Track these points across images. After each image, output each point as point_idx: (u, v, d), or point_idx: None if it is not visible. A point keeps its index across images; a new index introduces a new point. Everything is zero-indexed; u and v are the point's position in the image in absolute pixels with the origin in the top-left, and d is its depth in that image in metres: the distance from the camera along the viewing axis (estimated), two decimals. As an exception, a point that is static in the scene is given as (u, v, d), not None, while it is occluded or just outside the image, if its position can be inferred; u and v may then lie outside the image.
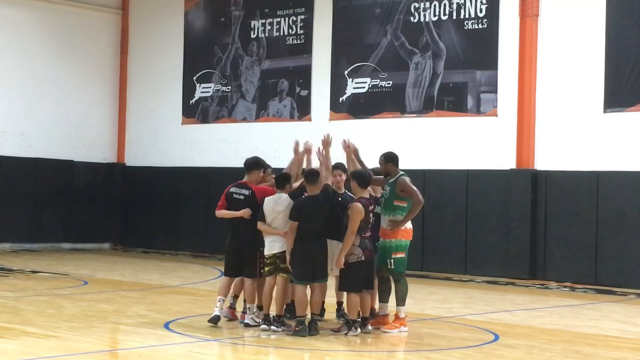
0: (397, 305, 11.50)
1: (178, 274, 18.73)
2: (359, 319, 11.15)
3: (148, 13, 26.57)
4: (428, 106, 21.11)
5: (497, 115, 20.13)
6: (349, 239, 10.88)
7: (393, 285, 11.57)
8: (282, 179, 11.43)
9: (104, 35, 26.70)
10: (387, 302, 11.64)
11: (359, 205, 10.92)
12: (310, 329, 10.84)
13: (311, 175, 11.14)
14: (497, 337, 11.38)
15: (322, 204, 11.10)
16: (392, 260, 11.39)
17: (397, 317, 11.51)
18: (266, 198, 11.31)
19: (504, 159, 19.82)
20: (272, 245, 11.16)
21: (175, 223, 24.63)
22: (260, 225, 11.19)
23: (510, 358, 10.08)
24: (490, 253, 19.79)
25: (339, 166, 12.20)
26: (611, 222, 18.51)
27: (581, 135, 19.09)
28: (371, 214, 11.09)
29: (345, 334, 10.99)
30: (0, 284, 16.29)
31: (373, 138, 21.69)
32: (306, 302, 10.89)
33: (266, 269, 11.22)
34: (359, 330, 11.12)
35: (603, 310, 14.93)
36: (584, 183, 18.83)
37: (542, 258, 19.28)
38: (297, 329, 10.78)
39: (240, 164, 25.77)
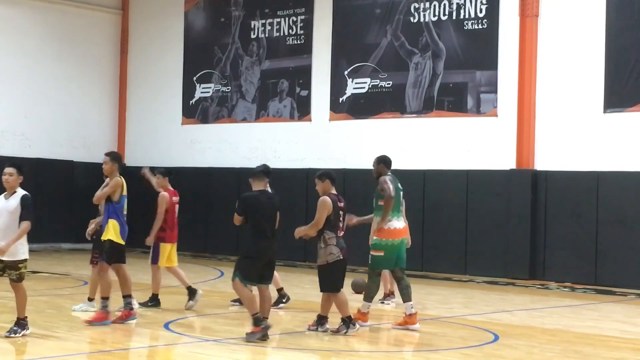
0: (364, 299, 11.83)
1: (178, 274, 18.70)
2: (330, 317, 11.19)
3: (148, 13, 26.58)
4: (428, 106, 21.10)
5: (497, 115, 20.12)
6: (312, 228, 10.94)
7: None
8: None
9: (104, 35, 26.71)
10: (410, 300, 11.73)
11: (327, 198, 11.03)
12: (264, 335, 10.47)
13: (259, 172, 10.97)
14: (497, 337, 11.38)
15: (273, 199, 10.94)
16: (369, 257, 11.80)
17: (358, 311, 11.79)
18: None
19: (504, 159, 19.82)
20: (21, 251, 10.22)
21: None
22: None
23: (510, 358, 10.08)
24: (490, 253, 19.79)
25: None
26: (611, 222, 18.50)
27: (581, 135, 19.09)
28: (341, 212, 11.14)
29: (345, 333, 10.99)
30: (0, 284, 16.26)
31: (373, 138, 21.71)
32: (256, 300, 10.59)
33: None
34: (357, 326, 11.14)
35: (603, 310, 14.93)
36: (584, 183, 18.82)
37: (542, 258, 19.28)
38: (261, 327, 10.39)
39: (240, 164, 25.85)
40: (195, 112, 25.37)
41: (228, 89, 24.67)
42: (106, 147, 26.48)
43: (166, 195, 13.48)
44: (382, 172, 11.98)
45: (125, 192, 11.75)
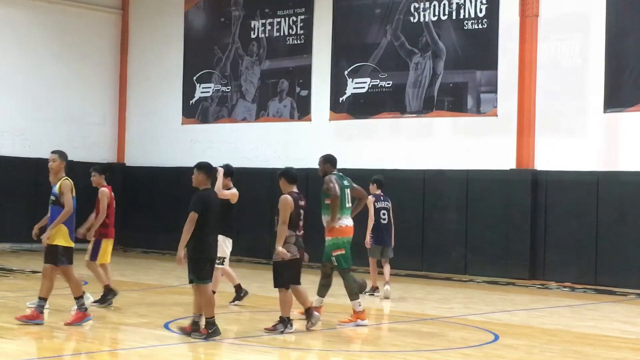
0: (351, 300, 11.83)
1: (178, 274, 18.69)
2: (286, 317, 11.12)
3: (148, 13, 26.57)
4: (428, 106, 21.10)
5: (497, 115, 20.12)
6: (282, 230, 10.93)
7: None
8: None
9: (104, 35, 26.69)
10: (324, 297, 12.04)
11: (288, 197, 11.05)
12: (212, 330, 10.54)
13: (211, 168, 10.98)
14: (497, 337, 11.38)
15: (218, 198, 11.10)
16: (334, 258, 11.88)
17: (354, 311, 11.81)
18: None
19: (504, 159, 19.81)
20: None
21: (175, 223, 24.44)
22: None
23: (510, 358, 10.08)
24: (490, 253, 19.78)
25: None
26: (611, 222, 18.50)
27: (581, 135, 19.09)
28: (302, 210, 11.15)
29: (282, 332, 10.93)
30: (0, 284, 16.29)
31: (373, 138, 21.71)
32: (214, 301, 10.65)
33: None
34: (293, 328, 11.03)
35: (603, 310, 14.93)
36: (584, 183, 18.82)
37: (542, 258, 19.27)
38: (209, 331, 10.47)
39: (240, 164, 25.81)
40: (195, 112, 25.36)
41: (228, 88, 24.67)
42: (106, 147, 26.60)
43: (107, 191, 13.56)
44: (328, 171, 12.10)
45: (74, 193, 11.77)
